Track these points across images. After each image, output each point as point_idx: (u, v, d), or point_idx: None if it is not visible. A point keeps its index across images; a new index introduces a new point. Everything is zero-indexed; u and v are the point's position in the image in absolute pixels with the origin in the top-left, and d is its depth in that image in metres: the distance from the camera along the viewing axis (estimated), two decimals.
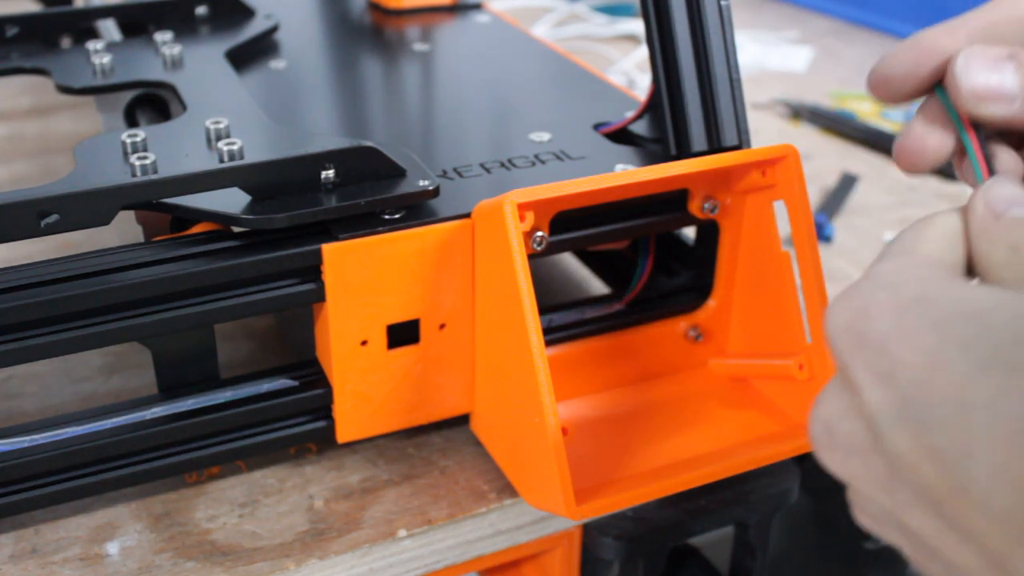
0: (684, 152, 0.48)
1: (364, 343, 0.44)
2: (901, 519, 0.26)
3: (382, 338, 0.44)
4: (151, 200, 0.41)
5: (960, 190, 0.77)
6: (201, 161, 0.43)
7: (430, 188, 0.43)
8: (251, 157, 0.42)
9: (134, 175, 0.41)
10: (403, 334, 0.44)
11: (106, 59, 0.55)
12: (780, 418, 0.47)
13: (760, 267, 0.47)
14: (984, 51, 0.31)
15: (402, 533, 0.44)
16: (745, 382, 0.50)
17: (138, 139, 0.43)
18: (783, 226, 0.46)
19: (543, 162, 0.49)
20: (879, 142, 0.84)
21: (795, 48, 1.06)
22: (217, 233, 0.43)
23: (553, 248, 0.46)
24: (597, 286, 0.60)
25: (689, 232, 0.53)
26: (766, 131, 0.87)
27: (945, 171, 0.79)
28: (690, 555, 0.54)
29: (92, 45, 0.57)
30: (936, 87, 0.33)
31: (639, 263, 0.50)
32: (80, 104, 0.83)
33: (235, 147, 0.42)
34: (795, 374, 0.46)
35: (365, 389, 0.45)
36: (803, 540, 0.65)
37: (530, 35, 0.68)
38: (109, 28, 0.62)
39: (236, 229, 0.43)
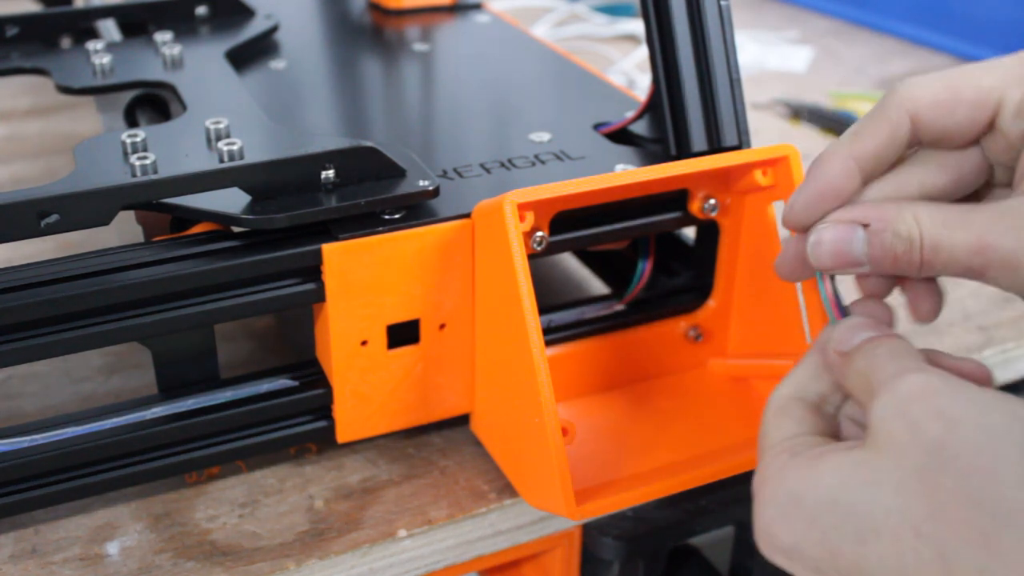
0: (684, 152, 0.48)
1: (364, 343, 0.44)
2: None
3: (382, 338, 0.44)
4: (151, 200, 0.41)
5: None
6: (201, 161, 0.43)
7: (430, 188, 0.43)
8: (251, 157, 0.42)
9: (134, 175, 0.41)
10: (403, 334, 0.44)
11: (106, 59, 0.55)
12: None
13: (760, 267, 0.48)
14: (836, 226, 0.34)
15: (402, 533, 0.44)
16: (745, 382, 0.50)
17: (138, 139, 0.43)
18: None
19: (543, 162, 0.49)
20: None
21: (795, 48, 1.06)
22: (217, 233, 0.43)
23: (553, 248, 0.46)
24: (597, 286, 0.60)
25: (689, 232, 0.53)
26: (766, 131, 0.87)
27: None
28: (690, 555, 0.54)
29: (92, 45, 0.57)
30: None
31: (639, 263, 0.50)
32: (80, 104, 0.83)
33: (235, 147, 0.42)
34: None
35: (365, 389, 0.45)
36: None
37: (530, 35, 0.68)
38: (109, 28, 0.62)
39: (236, 229, 0.43)
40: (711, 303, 0.50)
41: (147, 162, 0.41)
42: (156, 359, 0.44)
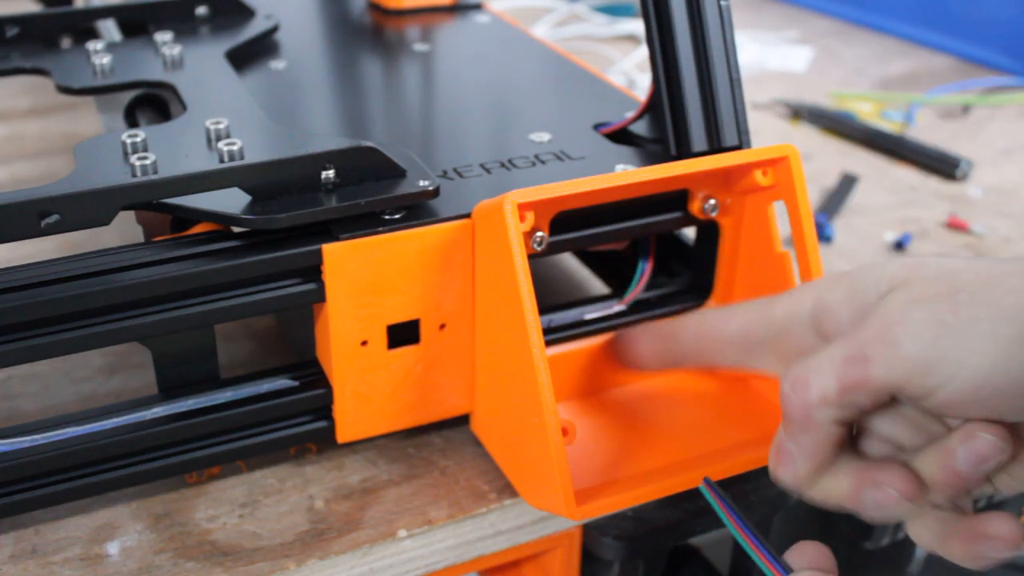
0: (684, 152, 0.48)
1: (364, 343, 0.44)
2: None
3: (382, 338, 0.44)
4: (151, 200, 0.41)
5: (960, 190, 0.78)
6: (201, 161, 0.43)
7: (430, 188, 0.43)
8: (251, 157, 0.42)
9: (134, 175, 0.41)
10: (403, 334, 0.44)
11: (106, 59, 0.55)
12: (780, 418, 0.47)
13: (760, 267, 0.47)
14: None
15: (402, 533, 0.44)
16: (745, 382, 0.50)
17: (138, 139, 0.43)
18: (783, 226, 0.46)
19: (543, 162, 0.49)
20: (879, 142, 0.84)
21: (795, 48, 1.06)
22: (217, 233, 0.43)
23: (553, 248, 0.46)
24: (597, 286, 0.60)
25: (689, 232, 0.53)
26: (766, 131, 0.87)
27: (945, 171, 0.79)
28: (690, 555, 0.54)
29: (92, 45, 0.57)
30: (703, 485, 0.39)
31: (639, 263, 0.51)
32: (80, 104, 0.83)
33: (235, 147, 0.42)
34: None
35: (365, 389, 0.45)
36: (803, 540, 0.65)
37: (530, 35, 0.68)
38: (109, 28, 0.62)
39: (236, 229, 0.43)
40: (711, 303, 0.50)
41: (147, 162, 0.41)
42: (156, 359, 0.44)
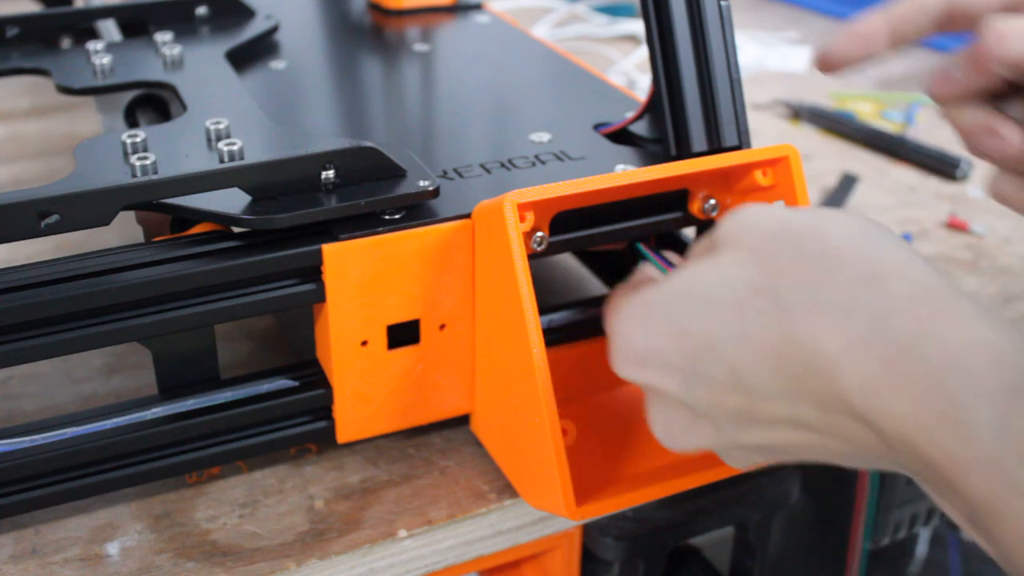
0: (684, 152, 0.48)
1: (364, 343, 0.44)
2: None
3: (382, 338, 0.44)
4: (151, 200, 0.41)
5: (960, 191, 0.78)
6: (201, 161, 0.43)
7: (430, 188, 0.43)
8: (251, 157, 0.42)
9: (134, 175, 0.41)
10: (403, 334, 0.44)
11: (106, 59, 0.55)
12: None
13: None
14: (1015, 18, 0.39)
15: (402, 533, 0.44)
16: None
17: (138, 139, 0.43)
18: None
19: (543, 162, 0.49)
20: (879, 142, 0.84)
21: (795, 48, 1.06)
22: (217, 233, 0.43)
23: (553, 248, 0.46)
24: (597, 286, 0.60)
25: (689, 232, 0.53)
26: (766, 131, 0.87)
27: (945, 171, 0.79)
28: (690, 555, 0.54)
29: (92, 45, 0.57)
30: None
31: (639, 263, 0.50)
32: (80, 104, 0.83)
33: (235, 147, 0.42)
34: None
35: (365, 389, 0.45)
36: (803, 540, 0.65)
37: (530, 35, 0.68)
38: (109, 28, 0.62)
39: (236, 229, 0.43)
40: None
41: (147, 162, 0.41)
42: (156, 359, 0.44)
